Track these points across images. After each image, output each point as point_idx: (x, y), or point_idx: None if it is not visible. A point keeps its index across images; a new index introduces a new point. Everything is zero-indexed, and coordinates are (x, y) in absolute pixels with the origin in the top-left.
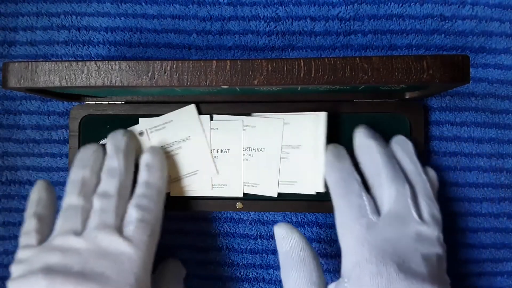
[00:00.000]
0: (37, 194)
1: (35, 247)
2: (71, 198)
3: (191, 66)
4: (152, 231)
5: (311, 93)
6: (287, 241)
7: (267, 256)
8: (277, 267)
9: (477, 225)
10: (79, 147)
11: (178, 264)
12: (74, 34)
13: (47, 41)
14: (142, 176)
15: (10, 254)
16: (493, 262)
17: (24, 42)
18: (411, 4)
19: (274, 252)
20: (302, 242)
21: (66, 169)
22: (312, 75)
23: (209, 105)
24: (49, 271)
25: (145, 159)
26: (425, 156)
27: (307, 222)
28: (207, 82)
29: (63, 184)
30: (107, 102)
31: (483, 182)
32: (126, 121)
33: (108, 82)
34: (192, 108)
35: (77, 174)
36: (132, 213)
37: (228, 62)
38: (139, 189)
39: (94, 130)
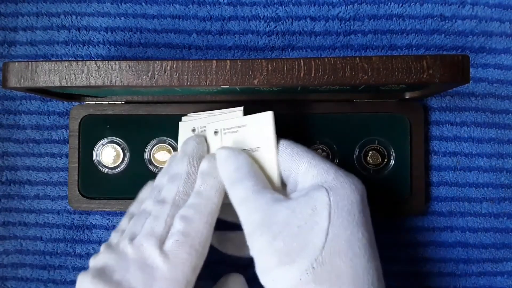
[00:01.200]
0: (143, 193)
1: (110, 245)
2: (147, 202)
3: (191, 66)
4: (194, 248)
5: (311, 93)
6: (234, 159)
7: None
8: None
9: (477, 225)
10: (79, 147)
11: (241, 279)
12: (74, 34)
13: (47, 41)
14: (196, 184)
15: (10, 254)
16: (493, 262)
17: (24, 42)
18: (411, 4)
19: None
20: (249, 159)
21: (66, 169)
22: (312, 75)
23: (208, 105)
24: (98, 273)
25: (202, 165)
26: (425, 156)
27: None
28: (207, 82)
29: (63, 184)
30: (107, 102)
31: (483, 182)
32: (126, 121)
33: (108, 82)
34: (269, 116)
35: (160, 179)
36: (176, 224)
37: (228, 62)
38: (190, 199)
39: (94, 130)
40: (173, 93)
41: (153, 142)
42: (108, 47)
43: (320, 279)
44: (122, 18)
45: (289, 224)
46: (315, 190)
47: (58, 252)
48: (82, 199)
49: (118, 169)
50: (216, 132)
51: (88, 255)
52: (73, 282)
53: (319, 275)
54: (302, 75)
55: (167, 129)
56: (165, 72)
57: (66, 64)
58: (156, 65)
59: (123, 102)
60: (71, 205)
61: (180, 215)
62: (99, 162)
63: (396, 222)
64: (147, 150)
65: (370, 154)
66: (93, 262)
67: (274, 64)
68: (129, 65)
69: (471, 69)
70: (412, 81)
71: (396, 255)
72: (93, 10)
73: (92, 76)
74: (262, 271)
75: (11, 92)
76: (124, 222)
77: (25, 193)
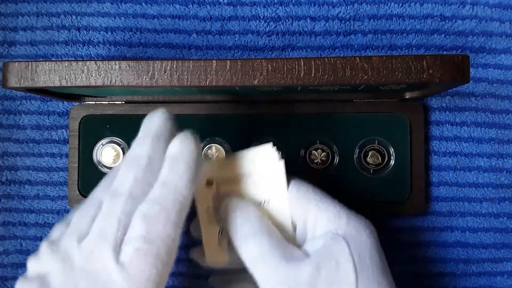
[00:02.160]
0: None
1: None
2: (98, 188)
3: (191, 66)
4: (159, 258)
5: (311, 93)
6: (244, 211)
7: None
8: None
9: (477, 225)
10: (79, 147)
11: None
12: (74, 34)
13: (47, 41)
14: (161, 172)
15: (10, 254)
16: (493, 262)
17: (24, 42)
18: (411, 4)
19: None
20: (259, 212)
21: (66, 169)
22: (312, 75)
23: (209, 105)
24: (40, 285)
25: (170, 147)
26: (425, 156)
27: None
28: (207, 82)
29: (63, 184)
30: (107, 102)
31: (483, 182)
32: (126, 121)
33: (108, 82)
34: (281, 166)
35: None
36: (136, 226)
37: (228, 62)
38: (152, 191)
39: (94, 130)
40: (173, 93)
41: None
42: (108, 47)
43: None
44: (122, 18)
45: (316, 284)
46: (332, 240)
47: None
48: (82, 199)
49: None
50: (210, 183)
51: None
52: None
53: None
54: (302, 75)
55: None
56: (165, 72)
57: (66, 64)
58: (156, 65)
59: (123, 102)
60: (71, 205)
61: (141, 213)
62: (99, 162)
63: (396, 222)
64: None
65: (370, 154)
66: (34, 265)
67: (274, 64)
68: (129, 65)
69: (471, 69)
70: (412, 81)
71: (396, 255)
72: (93, 10)
73: (92, 76)
74: None
75: (11, 92)
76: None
77: (25, 193)
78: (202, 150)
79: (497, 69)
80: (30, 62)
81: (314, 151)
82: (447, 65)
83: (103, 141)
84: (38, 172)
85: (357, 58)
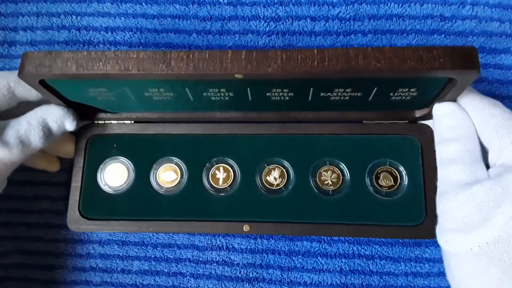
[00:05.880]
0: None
1: None
2: None
3: (207, 55)
4: None
5: (321, 110)
6: (455, 116)
7: (267, 256)
8: (277, 267)
9: None
10: (83, 166)
11: None
12: (74, 34)
13: (47, 41)
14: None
15: (11, 254)
16: None
17: (24, 42)
18: (411, 4)
19: (274, 252)
20: (470, 121)
21: (66, 170)
22: (326, 63)
23: (218, 125)
24: None
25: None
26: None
27: None
28: (222, 70)
29: (63, 184)
30: (116, 122)
31: None
32: (134, 140)
33: (125, 69)
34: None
35: None
36: None
37: (244, 52)
38: None
39: (100, 149)
40: (183, 108)
41: (159, 161)
42: (108, 47)
43: (492, 255)
44: (122, 18)
45: (476, 197)
46: (510, 174)
47: (58, 252)
48: (81, 220)
49: (122, 189)
50: None
51: (88, 255)
52: (73, 282)
53: (491, 251)
54: (316, 63)
55: (175, 148)
56: (181, 61)
57: (85, 54)
58: (173, 55)
59: (132, 122)
60: (69, 226)
61: None
62: (103, 182)
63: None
64: (152, 170)
65: (382, 176)
66: None
67: (289, 53)
68: (146, 55)
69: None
70: (425, 68)
71: (398, 255)
72: (93, 10)
73: (109, 63)
74: (440, 230)
75: None
76: None
77: (25, 193)
78: (210, 171)
79: (497, 69)
80: (50, 52)
81: (324, 172)
82: (457, 54)
83: (109, 160)
84: (38, 172)
85: (369, 48)
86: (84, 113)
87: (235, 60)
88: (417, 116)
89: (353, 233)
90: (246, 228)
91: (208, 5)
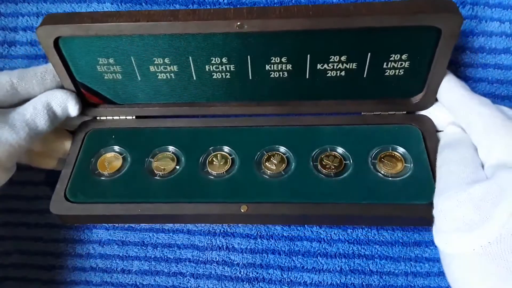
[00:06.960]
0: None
1: None
2: None
3: (212, 11)
4: None
5: (320, 99)
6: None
7: (267, 256)
8: (277, 267)
9: None
10: (77, 155)
11: None
12: None
13: None
14: None
15: (10, 254)
16: None
17: (24, 42)
18: None
19: (274, 252)
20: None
21: None
22: (321, 13)
23: (218, 119)
24: None
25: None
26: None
27: None
28: (225, 18)
29: None
30: (118, 117)
31: None
32: (132, 134)
33: (136, 20)
34: None
35: None
36: None
37: (245, 8)
38: None
39: (97, 141)
40: (187, 88)
41: (156, 151)
42: None
43: (494, 255)
44: None
45: (475, 196)
46: (504, 172)
47: (58, 252)
48: (66, 204)
49: (114, 176)
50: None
51: (88, 255)
52: (73, 282)
53: (494, 251)
54: (311, 13)
55: (174, 140)
56: (188, 14)
57: (101, 12)
58: (180, 11)
59: (134, 117)
60: (51, 210)
61: None
62: (95, 168)
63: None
64: (148, 158)
65: (385, 160)
66: None
67: (286, 7)
68: (156, 12)
69: (471, 69)
70: (410, 12)
71: (398, 255)
72: (93, 10)
73: (122, 17)
74: (438, 231)
75: None
76: None
77: (25, 193)
78: (207, 158)
79: (497, 69)
80: (70, 13)
81: (325, 158)
82: (438, 2)
83: (105, 149)
84: (38, 172)
85: (360, 3)
86: (87, 103)
87: (237, 13)
88: (414, 103)
89: (358, 212)
90: (243, 208)
91: (208, 5)
